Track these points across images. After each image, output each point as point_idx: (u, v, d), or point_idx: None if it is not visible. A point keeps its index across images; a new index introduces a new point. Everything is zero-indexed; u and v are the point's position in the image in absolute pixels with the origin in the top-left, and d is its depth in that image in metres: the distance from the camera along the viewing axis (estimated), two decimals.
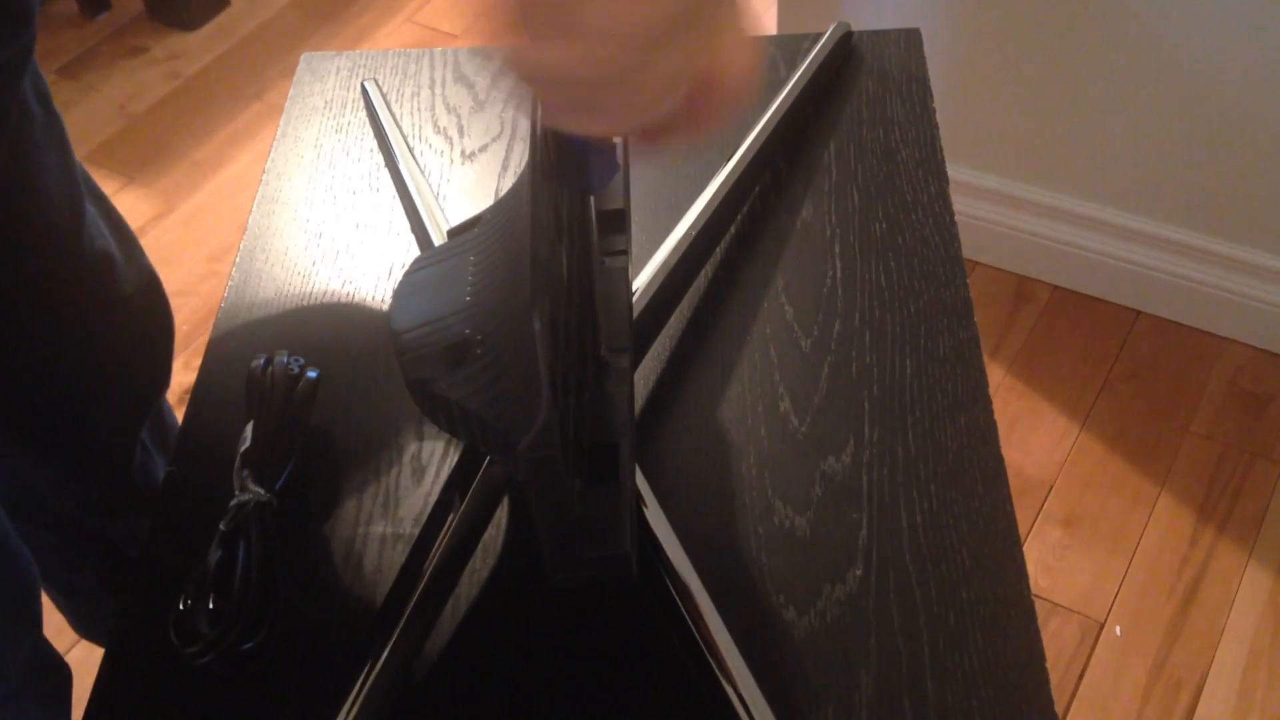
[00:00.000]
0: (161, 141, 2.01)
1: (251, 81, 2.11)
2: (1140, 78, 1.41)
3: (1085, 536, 1.40)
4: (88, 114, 2.05)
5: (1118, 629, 1.32)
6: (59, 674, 0.77)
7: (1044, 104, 1.49)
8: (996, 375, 1.55)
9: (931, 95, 0.73)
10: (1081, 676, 1.28)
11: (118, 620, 0.53)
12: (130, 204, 1.88)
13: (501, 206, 0.52)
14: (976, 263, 1.68)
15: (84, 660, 0.81)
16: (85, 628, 0.99)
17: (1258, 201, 1.45)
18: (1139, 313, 1.62)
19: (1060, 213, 1.58)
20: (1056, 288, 1.65)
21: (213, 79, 2.13)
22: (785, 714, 0.48)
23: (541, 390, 0.38)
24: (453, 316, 0.48)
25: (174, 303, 0.89)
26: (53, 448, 0.81)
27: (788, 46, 0.76)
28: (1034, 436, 1.50)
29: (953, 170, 0.69)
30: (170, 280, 0.90)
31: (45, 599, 0.77)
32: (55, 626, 0.83)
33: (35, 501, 0.72)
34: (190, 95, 2.10)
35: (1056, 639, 1.31)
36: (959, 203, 0.67)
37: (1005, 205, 1.61)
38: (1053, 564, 1.38)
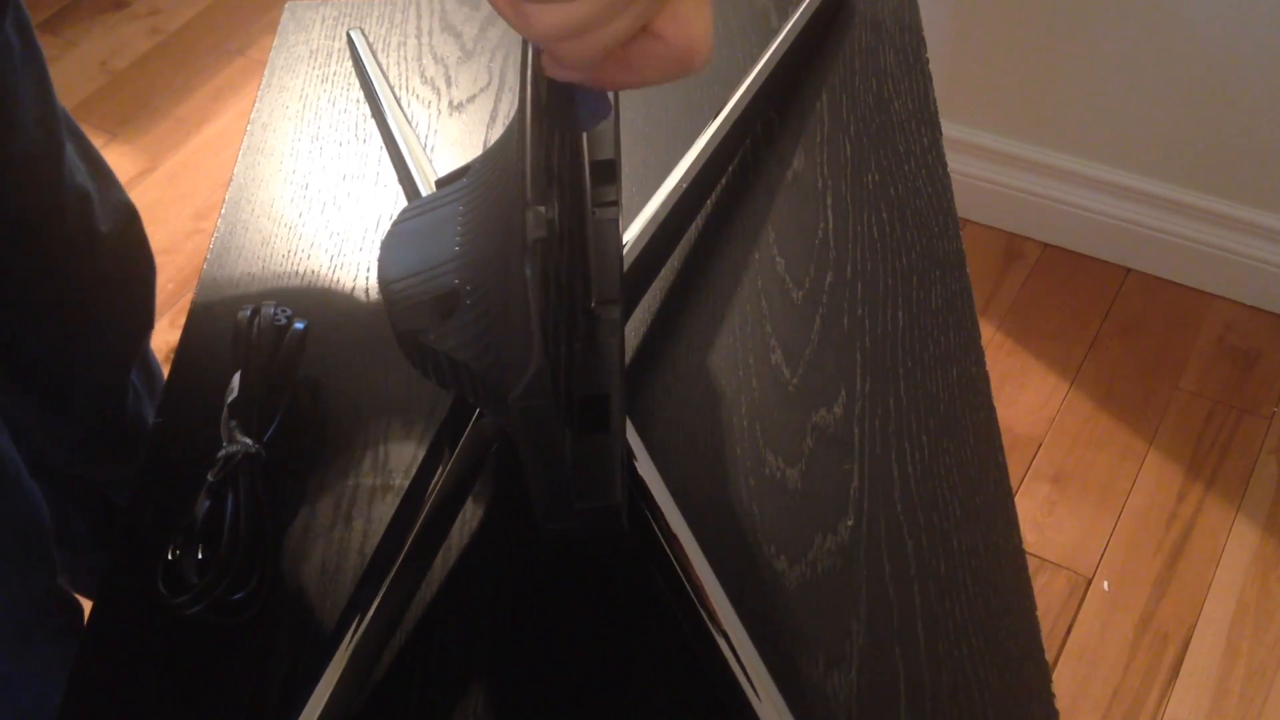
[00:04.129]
0: (144, 98, 1.98)
1: (234, 36, 2.09)
2: (1132, 34, 1.40)
3: (1074, 492, 1.41)
4: (69, 70, 2.02)
5: (1105, 584, 1.33)
6: (70, 611, 0.78)
7: (1035, 60, 1.48)
8: (986, 332, 1.55)
9: (925, 45, 0.72)
10: (1070, 630, 1.29)
11: (106, 570, 0.53)
12: (113, 161, 1.84)
13: (490, 156, 0.51)
14: (966, 220, 1.67)
15: None
16: (74, 580, 0.99)
17: (1248, 158, 1.45)
18: (1129, 270, 1.62)
19: (1050, 170, 1.58)
20: (1046, 245, 1.65)
21: (195, 34, 2.10)
22: (777, 663, 0.48)
23: (532, 339, 0.38)
24: (441, 267, 0.48)
25: (158, 261, 0.88)
26: (42, 389, 0.80)
27: None
28: (1023, 393, 1.50)
29: (943, 127, 0.68)
30: (154, 238, 0.89)
31: None
32: None
33: (26, 448, 0.72)
34: (172, 51, 2.07)
35: (1045, 594, 1.32)
36: (949, 160, 0.66)
37: (995, 162, 1.60)
38: (1041, 520, 1.38)
